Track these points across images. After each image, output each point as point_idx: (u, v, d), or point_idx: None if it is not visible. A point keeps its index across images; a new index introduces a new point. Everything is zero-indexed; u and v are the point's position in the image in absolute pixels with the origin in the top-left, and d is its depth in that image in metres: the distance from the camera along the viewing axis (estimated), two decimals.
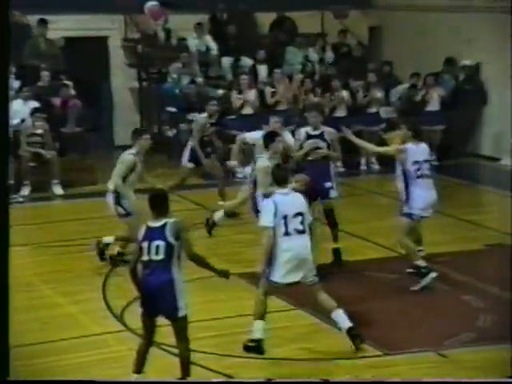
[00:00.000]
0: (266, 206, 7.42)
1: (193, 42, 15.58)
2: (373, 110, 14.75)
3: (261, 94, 14.53)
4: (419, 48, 15.70)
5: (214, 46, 15.66)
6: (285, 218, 7.30)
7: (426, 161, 8.91)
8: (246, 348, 7.41)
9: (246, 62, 15.52)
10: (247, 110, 14.27)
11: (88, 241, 10.23)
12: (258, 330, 7.38)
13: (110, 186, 9.44)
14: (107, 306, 8.49)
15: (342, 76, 15.02)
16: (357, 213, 11.62)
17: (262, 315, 7.41)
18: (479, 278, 9.03)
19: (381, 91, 14.82)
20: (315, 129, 9.48)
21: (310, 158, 9.38)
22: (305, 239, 7.38)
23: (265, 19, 16.40)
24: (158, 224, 6.57)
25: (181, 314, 6.53)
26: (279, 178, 7.54)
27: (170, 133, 14.91)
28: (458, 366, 7.13)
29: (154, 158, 15.55)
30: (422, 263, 8.81)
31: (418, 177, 8.85)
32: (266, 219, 7.36)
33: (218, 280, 6.97)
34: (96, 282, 9.15)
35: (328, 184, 9.42)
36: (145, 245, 6.56)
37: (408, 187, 8.85)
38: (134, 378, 6.63)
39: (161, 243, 6.51)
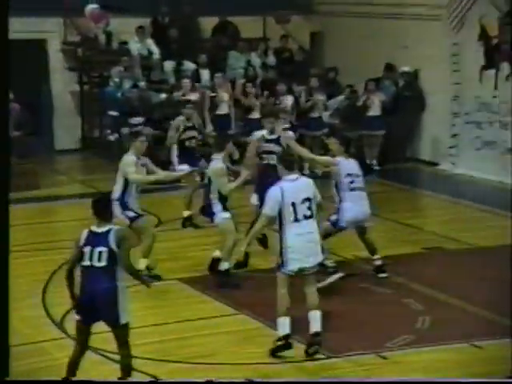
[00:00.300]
0: (272, 194, 7.37)
1: (134, 46, 15.49)
2: (315, 114, 14.89)
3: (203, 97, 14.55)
4: (360, 54, 15.90)
5: (156, 49, 15.61)
6: (293, 204, 7.30)
7: (358, 175, 9.16)
8: (275, 350, 7.34)
9: (189, 66, 15.51)
10: None
11: (32, 246, 10.07)
12: (283, 325, 7.33)
13: (115, 194, 9.03)
14: (47, 312, 8.38)
15: (285, 81, 15.15)
16: None
17: (285, 311, 7.36)
18: (418, 281, 9.17)
19: (323, 96, 14.98)
20: (271, 133, 9.59)
21: (264, 162, 9.45)
22: (313, 224, 7.41)
23: (207, 23, 16.41)
24: (101, 230, 6.51)
25: (122, 321, 6.48)
26: (287, 164, 7.53)
27: (112, 137, 14.80)
28: (398, 367, 7.23)
29: (94, 162, 15.40)
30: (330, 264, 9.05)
31: (351, 189, 9.09)
32: (268, 207, 7.36)
33: (162, 285, 6.95)
34: (37, 288, 9.02)
35: None
36: (87, 250, 6.48)
37: (340, 198, 9.11)
38: None
39: (104, 249, 6.44)
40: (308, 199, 7.39)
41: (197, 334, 7.83)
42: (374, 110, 14.87)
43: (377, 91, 14.94)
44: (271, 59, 16.21)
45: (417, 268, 9.69)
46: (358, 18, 16.01)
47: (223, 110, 14.53)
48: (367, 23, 15.87)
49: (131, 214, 9.01)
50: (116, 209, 8.72)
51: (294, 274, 7.40)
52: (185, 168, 10.68)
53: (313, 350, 7.36)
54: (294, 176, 7.48)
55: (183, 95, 14.18)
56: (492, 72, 13.75)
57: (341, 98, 15.25)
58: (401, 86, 15.34)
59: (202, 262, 9.48)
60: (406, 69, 15.14)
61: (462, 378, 6.86)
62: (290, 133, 9.97)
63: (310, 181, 7.60)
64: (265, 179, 8.83)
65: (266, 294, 7.99)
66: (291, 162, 7.58)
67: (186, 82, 14.39)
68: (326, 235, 8.79)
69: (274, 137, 9.52)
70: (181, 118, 11.35)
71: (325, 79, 15.41)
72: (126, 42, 15.54)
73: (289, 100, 14.65)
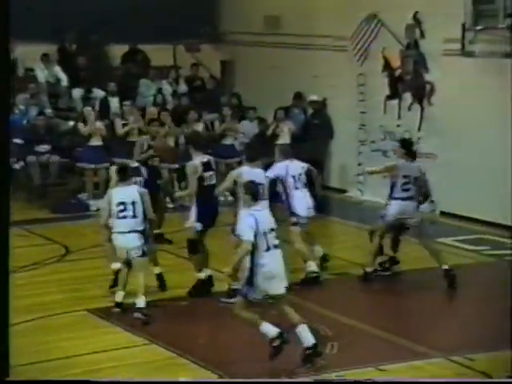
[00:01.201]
0: (248, 222, 7.61)
1: (41, 73, 15.27)
2: (228, 142, 14.99)
3: (111, 125, 14.42)
4: (269, 82, 16.10)
5: (63, 77, 15.41)
6: (264, 234, 7.62)
7: (300, 174, 10.24)
8: (274, 352, 7.52)
9: (98, 93, 15.37)
10: (95, 142, 14.09)
11: None
12: (269, 331, 7.56)
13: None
14: None
15: (196, 108, 15.20)
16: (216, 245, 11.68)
17: (257, 321, 7.61)
18: (327, 307, 9.27)
19: (236, 124, 15.10)
20: (203, 158, 9.83)
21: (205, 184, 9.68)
22: (279, 253, 7.75)
23: (117, 51, 16.32)
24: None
25: None
26: (254, 193, 7.81)
27: (17, 165, 14.48)
28: None
29: None
30: (314, 267, 9.86)
31: (296, 188, 10.08)
32: (247, 234, 7.58)
33: (69, 316, 6.80)
34: None
35: None
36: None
37: (288, 198, 10.01)
38: None
39: None
40: (273, 229, 7.76)
41: (108, 365, 7.69)
42: (284, 138, 15.04)
43: (286, 120, 15.14)
44: (182, 87, 16.24)
45: (326, 293, 9.80)
46: (267, 48, 16.24)
47: (132, 138, 14.43)
48: (276, 53, 16.11)
49: None
50: None
51: (258, 301, 7.66)
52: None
53: (315, 358, 7.57)
54: (259, 207, 7.84)
55: (86, 123, 14.01)
56: (395, 102, 14.15)
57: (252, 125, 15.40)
58: (309, 115, 15.59)
59: (111, 291, 9.34)
60: (314, 98, 15.40)
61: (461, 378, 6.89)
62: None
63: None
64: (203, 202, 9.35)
65: (178, 323, 7.93)
66: (257, 193, 7.87)
67: (89, 109, 14.28)
68: (301, 237, 10.09)
69: (205, 160, 9.78)
70: (145, 137, 11.49)
71: (230, 105, 15.54)
72: (32, 69, 15.30)
73: (199, 127, 14.71)
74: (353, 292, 9.94)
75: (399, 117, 14.12)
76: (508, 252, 11.32)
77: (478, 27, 10.44)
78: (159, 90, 15.75)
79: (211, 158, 9.99)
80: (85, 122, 14.11)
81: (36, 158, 13.84)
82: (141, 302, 8.86)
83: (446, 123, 13.15)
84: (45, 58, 15.32)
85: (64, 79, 15.40)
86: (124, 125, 14.43)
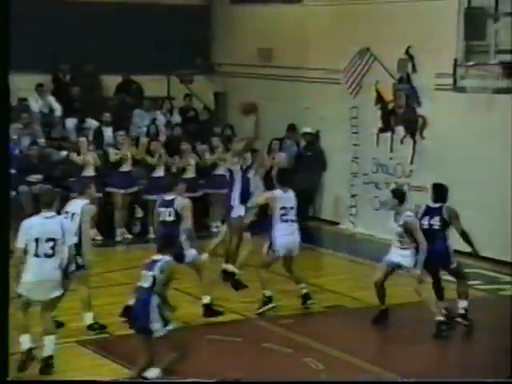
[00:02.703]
0: (22, 227, 8.12)
1: (35, 103, 15.30)
2: (220, 172, 15.02)
3: (105, 154, 14.45)
4: (263, 114, 16.11)
5: (57, 106, 15.45)
6: (36, 240, 8.05)
7: (292, 207, 10.04)
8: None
9: (92, 123, 15.40)
10: (88, 172, 14.09)
11: None
12: (25, 341, 7.96)
13: None
14: None
15: (189, 139, 15.26)
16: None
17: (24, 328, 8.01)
18: (319, 340, 9.23)
19: (227, 154, 15.13)
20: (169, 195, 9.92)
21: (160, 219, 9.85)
22: (51, 262, 8.06)
23: (111, 81, 16.40)
24: None
25: None
26: (44, 201, 8.25)
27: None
28: None
29: None
30: (267, 293, 9.84)
31: (283, 221, 9.98)
32: (18, 239, 8.12)
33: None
34: None
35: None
36: None
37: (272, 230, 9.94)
38: None
39: None
40: (53, 239, 8.06)
41: None
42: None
43: (280, 151, 15.18)
44: (176, 118, 16.30)
45: (318, 326, 9.77)
46: (260, 80, 16.34)
47: (126, 167, 14.45)
48: (269, 84, 16.20)
49: None
50: None
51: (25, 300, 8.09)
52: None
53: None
54: (49, 214, 8.16)
55: (79, 153, 14.03)
56: (388, 135, 14.23)
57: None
58: (302, 147, 15.65)
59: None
60: (307, 130, 15.47)
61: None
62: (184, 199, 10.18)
63: (64, 222, 8.30)
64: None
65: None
66: (49, 201, 8.24)
67: (83, 140, 14.31)
68: (267, 265, 9.99)
69: (169, 198, 9.82)
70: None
71: (223, 136, 15.60)
72: (25, 99, 15.34)
73: (192, 159, 14.77)
74: (344, 325, 9.89)
75: (391, 150, 14.18)
76: (500, 287, 11.33)
77: (470, 63, 10.52)
78: (153, 121, 15.80)
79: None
80: (78, 151, 14.13)
81: (28, 187, 13.81)
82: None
83: (437, 157, 13.22)
84: (39, 88, 15.37)
85: (58, 109, 15.44)
86: (117, 155, 14.45)
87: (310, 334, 9.40)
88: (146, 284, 7.47)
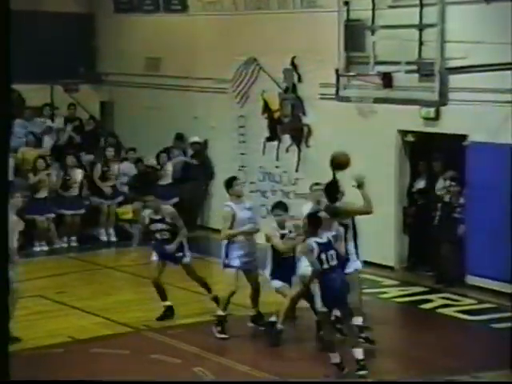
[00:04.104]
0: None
1: None
2: (109, 183, 14.90)
3: None
4: (150, 123, 16.10)
5: None
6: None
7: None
8: None
9: None
10: None
11: None
12: None
13: None
14: None
15: (75, 150, 15.05)
16: (90, 289, 11.50)
17: None
18: (209, 349, 9.25)
19: (117, 165, 15.04)
20: (156, 213, 10.17)
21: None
22: None
23: None
24: None
25: None
26: None
27: None
28: None
29: None
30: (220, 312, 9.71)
31: None
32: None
33: None
34: None
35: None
36: None
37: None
38: None
39: None
40: None
41: None
42: (166, 179, 15.07)
43: (167, 160, 15.18)
44: (58, 122, 16.05)
45: (208, 336, 9.78)
46: (148, 89, 16.26)
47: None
48: (157, 94, 16.15)
49: None
50: None
51: None
52: None
53: None
54: None
55: None
56: (274, 144, 14.44)
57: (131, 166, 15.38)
58: (190, 156, 15.67)
59: None
60: (195, 139, 15.51)
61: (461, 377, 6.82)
62: (168, 207, 10.61)
63: None
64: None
65: None
66: None
67: None
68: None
69: (159, 217, 10.18)
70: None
71: (111, 145, 15.45)
72: None
73: (78, 173, 14.60)
74: (234, 333, 9.96)
75: (278, 158, 14.40)
76: (382, 290, 11.68)
77: (351, 73, 10.82)
78: (31, 131, 15.43)
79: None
80: None
81: None
82: None
83: (322, 165, 13.48)
84: None
85: None
86: None
87: (200, 343, 9.41)
88: None
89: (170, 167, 15.14)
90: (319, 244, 8.34)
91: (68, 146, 15.42)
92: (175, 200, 15.04)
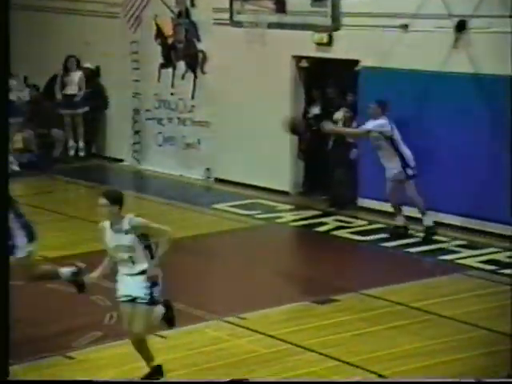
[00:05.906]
0: None
1: None
2: None
3: None
4: (40, 49, 15.58)
5: None
6: None
7: None
8: None
9: None
10: None
11: None
12: None
13: None
14: None
15: None
16: None
17: None
18: (107, 277, 9.21)
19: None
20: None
21: None
22: None
23: None
24: None
25: None
26: None
27: None
28: (85, 365, 7.24)
29: None
30: None
31: None
32: None
33: None
34: None
35: None
36: None
37: None
38: None
39: None
40: None
41: None
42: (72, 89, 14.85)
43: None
44: None
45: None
46: (36, 12, 15.66)
47: None
48: (46, 18, 15.59)
49: None
50: None
51: None
52: None
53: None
54: None
55: None
56: (169, 70, 14.24)
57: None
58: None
59: None
60: (87, 65, 15.12)
61: (462, 377, 6.86)
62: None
63: None
64: None
65: None
66: None
67: None
68: None
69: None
70: None
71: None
72: None
73: None
74: None
75: (173, 85, 14.22)
76: (277, 215, 11.89)
77: None
78: None
79: None
80: None
81: None
82: None
83: (218, 91, 13.43)
84: None
85: None
86: None
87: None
88: None
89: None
90: None
91: None
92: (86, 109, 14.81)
